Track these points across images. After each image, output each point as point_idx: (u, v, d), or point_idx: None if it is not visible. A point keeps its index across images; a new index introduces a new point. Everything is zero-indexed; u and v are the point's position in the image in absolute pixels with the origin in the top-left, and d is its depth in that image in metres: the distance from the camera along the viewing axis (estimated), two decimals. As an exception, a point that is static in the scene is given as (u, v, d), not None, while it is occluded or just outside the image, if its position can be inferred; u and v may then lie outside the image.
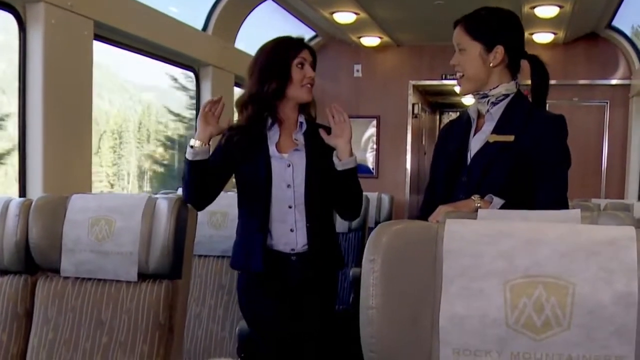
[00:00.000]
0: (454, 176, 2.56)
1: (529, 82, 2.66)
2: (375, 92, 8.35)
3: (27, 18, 3.68)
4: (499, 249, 1.21)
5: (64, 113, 3.83)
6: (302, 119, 2.91)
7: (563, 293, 1.17)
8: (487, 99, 2.54)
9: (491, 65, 2.52)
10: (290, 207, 2.84)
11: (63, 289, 2.61)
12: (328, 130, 2.88)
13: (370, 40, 7.96)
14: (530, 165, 2.43)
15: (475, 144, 2.54)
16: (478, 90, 2.54)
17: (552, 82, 8.27)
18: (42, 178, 3.61)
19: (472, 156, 2.53)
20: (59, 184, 3.67)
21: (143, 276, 2.56)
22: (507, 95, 2.54)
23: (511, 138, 2.45)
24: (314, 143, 2.88)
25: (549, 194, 2.43)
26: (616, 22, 7.61)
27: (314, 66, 2.91)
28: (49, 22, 3.68)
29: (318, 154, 2.86)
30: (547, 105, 8.28)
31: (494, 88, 2.52)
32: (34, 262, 2.64)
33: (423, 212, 2.58)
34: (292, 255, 2.84)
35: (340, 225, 4.77)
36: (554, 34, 7.64)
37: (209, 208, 2.93)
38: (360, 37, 7.85)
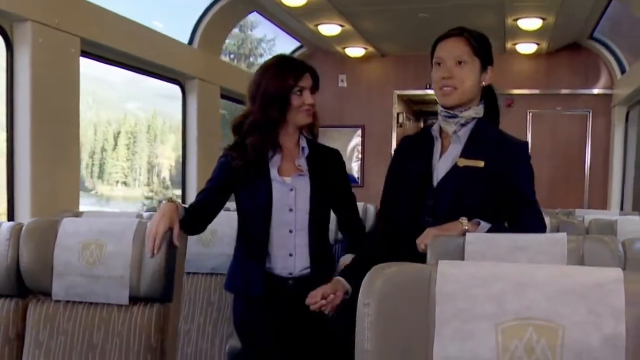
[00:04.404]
0: (418, 198, 2.52)
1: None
2: (360, 102, 8.39)
3: (14, 37, 3.68)
4: (490, 292, 1.24)
5: (51, 131, 3.83)
6: (304, 143, 2.92)
7: (553, 336, 1.20)
8: (456, 120, 2.51)
9: (484, 84, 2.53)
10: (290, 231, 2.85)
11: (54, 312, 2.61)
12: (329, 152, 2.97)
13: (355, 51, 7.99)
14: (502, 190, 2.45)
15: (442, 166, 2.52)
16: (463, 105, 2.51)
17: (536, 91, 8.36)
18: (30, 199, 3.61)
19: (439, 179, 2.50)
20: (47, 203, 3.67)
21: (134, 299, 2.56)
22: (474, 118, 2.53)
23: (481, 164, 2.45)
24: (317, 167, 2.90)
25: (529, 219, 2.47)
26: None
27: (315, 87, 2.89)
28: (36, 41, 3.69)
29: (321, 177, 2.88)
30: (531, 114, 8.28)
31: (465, 110, 2.50)
32: (25, 286, 2.64)
33: (384, 230, 2.63)
34: (289, 279, 2.86)
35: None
36: (537, 44, 7.72)
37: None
38: (345, 48, 7.89)
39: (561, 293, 1.22)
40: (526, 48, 7.83)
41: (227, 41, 6.21)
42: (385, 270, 1.32)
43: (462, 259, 2.30)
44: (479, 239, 2.38)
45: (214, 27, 6.02)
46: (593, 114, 8.33)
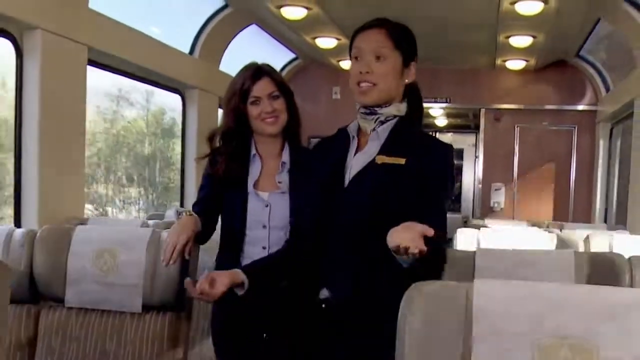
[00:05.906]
0: (329, 195, 2.31)
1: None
2: (353, 114, 8.32)
3: (24, 45, 3.70)
4: (527, 311, 1.29)
5: (59, 138, 3.86)
6: (286, 156, 2.77)
7: (588, 354, 1.25)
8: (375, 117, 2.28)
9: (406, 81, 2.29)
10: (264, 247, 2.70)
11: (67, 319, 2.62)
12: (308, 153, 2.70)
13: (350, 64, 8.04)
14: (416, 188, 2.21)
15: (356, 162, 2.29)
16: (381, 104, 2.27)
17: (522, 106, 8.37)
18: (37, 204, 3.63)
19: (351, 176, 2.27)
20: (53, 209, 3.69)
21: (147, 308, 2.58)
22: (395, 116, 2.30)
23: (402, 161, 2.23)
24: (297, 182, 2.72)
25: (434, 221, 2.01)
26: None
27: (282, 92, 2.72)
28: (45, 49, 3.72)
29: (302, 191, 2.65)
30: (518, 128, 8.31)
31: (385, 107, 2.27)
32: (38, 292, 2.65)
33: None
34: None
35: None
36: (526, 61, 7.83)
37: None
38: (339, 61, 7.95)
39: (596, 312, 1.27)
40: (515, 64, 7.94)
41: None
42: (424, 288, 1.37)
43: (472, 273, 2.36)
44: (488, 254, 2.44)
45: (214, 37, 6.07)
46: (578, 130, 8.48)
